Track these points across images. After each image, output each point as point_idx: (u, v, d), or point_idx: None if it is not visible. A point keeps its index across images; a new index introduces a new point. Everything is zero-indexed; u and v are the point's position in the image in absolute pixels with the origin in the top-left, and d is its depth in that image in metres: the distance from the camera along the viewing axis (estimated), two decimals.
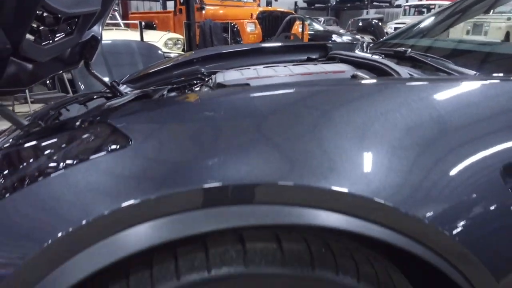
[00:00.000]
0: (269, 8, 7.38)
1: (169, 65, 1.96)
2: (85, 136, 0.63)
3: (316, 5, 21.47)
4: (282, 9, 7.23)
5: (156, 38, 5.82)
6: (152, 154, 0.52)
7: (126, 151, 0.52)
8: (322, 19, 17.11)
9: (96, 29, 1.74)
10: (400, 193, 0.50)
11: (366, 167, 0.51)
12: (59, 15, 1.15)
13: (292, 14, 6.99)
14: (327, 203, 0.49)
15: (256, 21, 6.58)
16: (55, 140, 0.66)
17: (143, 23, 6.63)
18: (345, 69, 1.27)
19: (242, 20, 6.46)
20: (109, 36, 5.42)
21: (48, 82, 5.37)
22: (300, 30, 6.95)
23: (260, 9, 7.16)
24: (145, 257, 0.51)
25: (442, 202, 0.52)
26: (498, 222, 0.55)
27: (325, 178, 0.49)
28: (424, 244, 0.52)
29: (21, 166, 0.59)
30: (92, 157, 0.53)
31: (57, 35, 1.44)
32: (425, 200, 0.51)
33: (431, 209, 0.51)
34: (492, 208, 0.55)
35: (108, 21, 6.43)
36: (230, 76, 1.34)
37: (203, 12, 7.16)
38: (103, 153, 0.53)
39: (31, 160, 0.61)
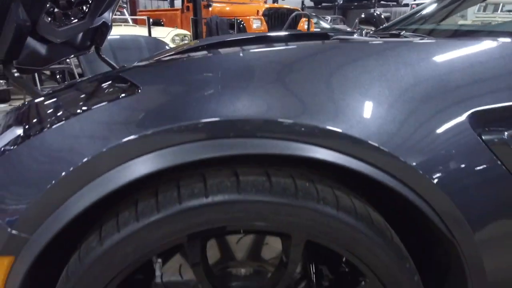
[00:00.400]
0: (275, 5, 7.45)
1: (173, 52, 2.04)
2: (104, 85, 0.72)
3: (323, 4, 21.47)
4: (288, 6, 7.30)
5: (164, 34, 5.92)
6: (157, 97, 0.60)
7: (136, 96, 0.60)
8: (329, 17, 17.13)
9: (106, 15, 1.83)
10: (387, 135, 0.57)
11: (358, 113, 0.58)
12: None
13: (298, 11, 7.04)
14: (318, 140, 0.56)
15: (262, 17, 6.66)
16: (76, 90, 0.75)
17: (151, 20, 6.74)
18: None
19: (248, 17, 6.54)
20: (117, 31, 5.52)
21: (58, 76, 5.50)
22: (305, 27, 7.01)
23: (266, 6, 7.24)
24: (151, 188, 0.59)
25: (426, 150, 0.59)
26: (471, 169, 0.61)
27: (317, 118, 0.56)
28: (406, 184, 0.59)
29: (48, 112, 0.68)
30: (108, 100, 0.62)
31: (71, 20, 1.53)
32: (412, 147, 0.58)
33: (416, 156, 0.58)
34: (462, 153, 0.61)
35: (116, 17, 6.55)
36: None
37: (210, 9, 7.26)
38: (118, 97, 0.62)
39: (58, 105, 0.70)
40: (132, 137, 0.54)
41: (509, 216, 0.64)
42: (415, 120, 0.60)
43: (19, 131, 0.68)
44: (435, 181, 0.59)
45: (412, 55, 0.67)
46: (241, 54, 0.75)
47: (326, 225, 0.58)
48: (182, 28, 7.50)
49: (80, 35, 1.75)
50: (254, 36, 2.10)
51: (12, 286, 0.60)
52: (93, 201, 0.54)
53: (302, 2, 22.05)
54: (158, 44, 4.90)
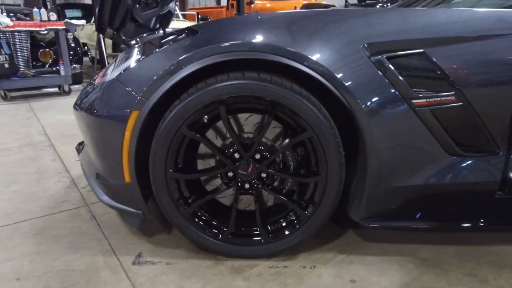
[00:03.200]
0: (313, 1, 7.94)
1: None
2: (180, 33, 1.39)
3: (367, 1, 21.52)
4: (326, 3, 7.79)
5: None
6: (206, 36, 1.25)
7: (196, 35, 1.26)
8: None
9: (171, 5, 2.54)
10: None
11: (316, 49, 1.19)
12: None
13: (332, 7, 7.50)
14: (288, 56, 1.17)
15: None
16: (166, 37, 1.42)
17: (199, 15, 7.51)
18: None
19: None
20: (170, 25, 6.34)
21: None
22: None
23: (305, 2, 7.76)
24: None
25: (340, 64, 1.18)
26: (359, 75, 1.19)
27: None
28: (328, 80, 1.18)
29: (148, 49, 1.36)
30: (182, 37, 1.28)
31: (149, 7, 2.25)
32: (335, 64, 1.17)
33: (332, 66, 1.17)
34: (356, 67, 1.19)
35: None
36: None
37: (252, 6, 7.91)
38: (186, 35, 1.27)
39: (153, 45, 1.37)
40: (190, 53, 1.19)
41: (384, 99, 1.19)
42: (337, 49, 1.19)
43: (130, 60, 1.35)
44: (340, 76, 1.17)
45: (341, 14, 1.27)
46: (256, 16, 1.36)
47: (285, 98, 1.19)
48: None
49: (153, 19, 2.46)
50: None
51: (135, 130, 1.26)
52: (170, 86, 1.19)
53: (346, 1, 22.24)
54: None
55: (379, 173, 1.27)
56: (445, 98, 1.22)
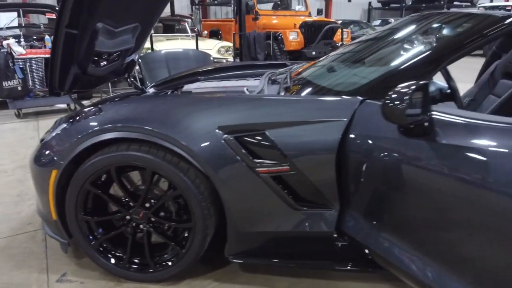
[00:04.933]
0: (314, 18, 8.20)
1: (176, 77, 3.09)
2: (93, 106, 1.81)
3: (392, 5, 21.25)
4: (325, 19, 8.04)
5: (211, 46, 7.10)
6: (103, 117, 1.66)
7: (96, 116, 1.67)
8: (392, 20, 17.13)
9: (133, 56, 2.97)
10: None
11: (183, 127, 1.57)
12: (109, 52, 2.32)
13: (333, 24, 7.74)
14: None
15: (299, 30, 7.51)
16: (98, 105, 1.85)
17: (206, 32, 7.96)
18: (246, 85, 2.29)
19: (285, 29, 7.45)
20: (174, 44, 6.82)
21: (128, 80, 7.00)
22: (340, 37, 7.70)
23: (308, 19, 8.04)
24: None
25: (197, 135, 1.55)
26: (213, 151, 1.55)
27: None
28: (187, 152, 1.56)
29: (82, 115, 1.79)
30: (88, 114, 1.70)
31: (110, 61, 2.66)
32: (190, 135, 1.55)
33: (189, 140, 1.55)
34: (208, 143, 1.56)
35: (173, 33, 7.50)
36: (188, 86, 2.45)
37: (257, 22, 8.28)
38: (93, 112, 1.69)
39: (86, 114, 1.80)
40: (86, 133, 1.60)
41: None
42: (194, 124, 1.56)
43: (65, 124, 1.78)
44: (198, 151, 1.54)
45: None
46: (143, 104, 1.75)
47: (158, 165, 1.57)
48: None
49: (120, 66, 2.89)
50: (239, 64, 3.09)
51: (55, 182, 1.69)
52: (75, 154, 1.61)
53: (369, 3, 22.12)
54: (204, 55, 6.03)
55: (237, 221, 1.64)
56: (282, 167, 1.57)
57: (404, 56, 1.68)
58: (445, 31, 1.72)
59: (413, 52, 1.68)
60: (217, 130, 1.56)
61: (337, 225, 1.64)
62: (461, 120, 1.28)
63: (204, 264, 1.89)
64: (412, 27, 1.98)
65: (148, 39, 6.62)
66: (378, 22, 18.09)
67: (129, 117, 1.62)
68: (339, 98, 1.59)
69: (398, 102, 1.17)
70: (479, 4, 19.00)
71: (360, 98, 1.56)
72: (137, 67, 6.25)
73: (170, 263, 1.75)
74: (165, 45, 6.86)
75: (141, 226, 1.77)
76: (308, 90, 1.86)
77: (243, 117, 1.58)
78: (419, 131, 1.28)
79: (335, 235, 1.65)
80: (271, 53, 7.06)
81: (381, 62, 1.77)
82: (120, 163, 1.62)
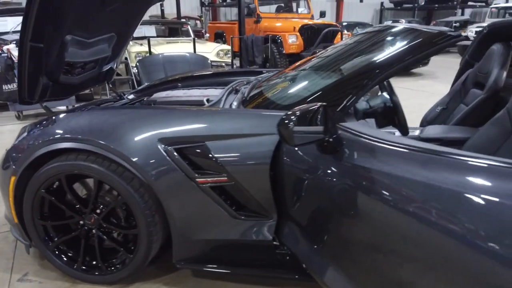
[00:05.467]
0: (315, 21, 8.20)
1: (157, 83, 3.18)
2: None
3: (404, 5, 20.97)
4: (325, 22, 8.04)
5: (210, 49, 7.18)
6: (55, 128, 1.76)
7: (49, 126, 1.77)
8: (403, 21, 16.92)
9: (111, 64, 3.06)
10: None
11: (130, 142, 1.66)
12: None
13: (332, 27, 7.73)
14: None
15: (298, 33, 7.54)
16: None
17: (208, 35, 8.04)
18: (210, 94, 2.36)
19: (284, 33, 7.49)
20: (174, 48, 6.94)
21: (129, 82, 7.15)
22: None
23: (309, 21, 8.06)
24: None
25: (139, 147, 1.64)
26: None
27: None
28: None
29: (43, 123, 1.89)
30: (43, 125, 1.80)
31: (86, 70, 2.75)
32: (131, 148, 1.63)
33: (132, 152, 1.63)
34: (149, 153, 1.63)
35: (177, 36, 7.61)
36: (157, 94, 2.54)
37: (259, 24, 8.34)
38: (46, 123, 1.80)
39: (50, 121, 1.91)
40: (40, 141, 1.70)
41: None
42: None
43: (26, 133, 1.89)
44: (140, 162, 1.62)
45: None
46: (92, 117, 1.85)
47: (103, 175, 1.66)
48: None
49: (97, 74, 3.00)
50: (212, 72, 3.18)
51: (14, 188, 1.80)
52: (28, 163, 1.71)
53: (381, 4, 21.88)
54: (201, 59, 6.10)
55: (181, 229, 1.71)
56: (220, 178, 1.64)
57: (339, 73, 1.73)
58: (381, 48, 1.76)
59: (348, 69, 1.73)
60: (158, 142, 1.64)
61: (278, 234, 1.70)
62: (367, 139, 1.32)
63: (157, 268, 1.98)
64: (354, 44, 2.02)
65: (146, 42, 6.78)
66: (389, 23, 17.88)
67: (77, 128, 1.72)
68: (274, 113, 1.65)
69: (286, 122, 1.22)
70: (494, 4, 18.57)
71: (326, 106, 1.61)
72: (135, 71, 6.39)
73: (119, 267, 1.84)
74: (165, 48, 6.97)
75: (94, 231, 1.86)
76: (259, 102, 1.93)
77: (183, 129, 1.65)
78: (327, 149, 1.33)
79: (276, 243, 1.71)
80: (269, 56, 7.10)
81: (320, 79, 1.82)
82: (69, 172, 1.71)
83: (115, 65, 3.15)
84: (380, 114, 1.91)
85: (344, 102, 1.54)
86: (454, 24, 14.44)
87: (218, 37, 10.15)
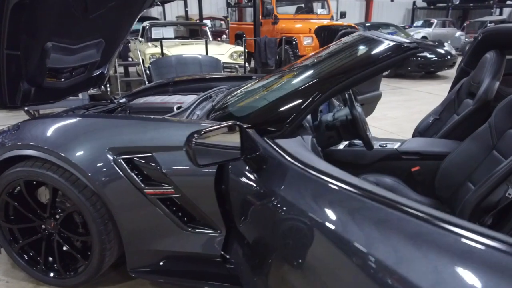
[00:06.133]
0: (334, 22, 8.04)
1: (153, 86, 3.23)
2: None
3: (438, 4, 20.12)
4: (342, 23, 7.85)
5: (224, 50, 7.19)
6: (16, 135, 1.81)
7: (13, 133, 1.83)
8: (435, 21, 16.27)
9: (103, 69, 3.11)
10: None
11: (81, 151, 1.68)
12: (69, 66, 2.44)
13: (347, 29, 7.54)
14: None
15: (314, 35, 7.41)
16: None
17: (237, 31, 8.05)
18: (183, 101, 2.36)
19: (299, 34, 7.39)
20: (188, 49, 6.99)
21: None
22: None
23: (325, 22, 7.92)
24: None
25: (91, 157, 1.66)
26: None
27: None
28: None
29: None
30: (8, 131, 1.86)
31: (76, 74, 2.80)
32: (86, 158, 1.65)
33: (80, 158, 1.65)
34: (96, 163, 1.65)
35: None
36: (137, 100, 2.57)
37: (276, 25, 8.28)
38: (12, 129, 1.85)
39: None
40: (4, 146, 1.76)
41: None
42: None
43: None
44: (89, 172, 1.64)
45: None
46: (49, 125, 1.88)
47: (56, 182, 1.69)
48: None
49: (88, 79, 3.07)
50: (202, 77, 3.18)
51: None
52: None
53: (414, 3, 21.10)
54: (213, 61, 6.13)
55: (131, 239, 1.72)
56: (167, 190, 1.63)
57: (290, 87, 1.67)
58: (333, 62, 1.68)
59: (297, 83, 1.67)
60: (108, 151, 1.65)
61: (227, 249, 1.68)
62: (287, 160, 1.26)
63: (120, 274, 2.00)
64: (315, 58, 1.94)
65: (158, 44, 6.89)
66: (420, 22, 17.25)
67: (35, 136, 1.76)
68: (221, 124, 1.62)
69: (190, 140, 1.18)
70: None
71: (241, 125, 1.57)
72: (148, 72, 6.51)
73: (76, 272, 1.88)
74: (179, 50, 7.05)
75: (54, 236, 1.91)
76: (220, 113, 1.90)
77: (132, 139, 1.66)
78: (250, 165, 1.29)
79: (226, 257, 1.68)
80: (283, 58, 7.04)
81: (273, 92, 1.77)
82: (26, 178, 1.76)
83: (106, 70, 3.20)
84: (343, 127, 1.84)
85: (287, 119, 1.49)
86: (488, 24, 13.70)
87: (239, 38, 10.16)
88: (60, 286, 1.93)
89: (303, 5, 9.41)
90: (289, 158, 1.24)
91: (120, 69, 7.99)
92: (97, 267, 1.81)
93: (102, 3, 2.48)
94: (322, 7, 9.07)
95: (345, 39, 1.97)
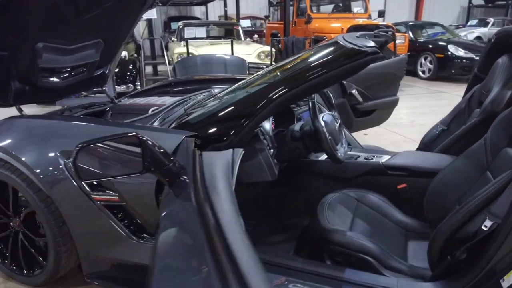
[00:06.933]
0: (367, 22, 7.66)
1: (156, 86, 3.23)
2: None
3: (497, 2, 18.55)
4: (376, 23, 7.44)
5: (251, 50, 7.10)
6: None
7: None
8: (491, 20, 15.03)
9: (104, 69, 3.15)
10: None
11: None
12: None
13: (384, 28, 7.12)
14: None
15: None
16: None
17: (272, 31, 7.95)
18: (163, 103, 2.31)
19: (331, 34, 7.10)
20: (216, 49, 6.99)
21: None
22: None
23: (359, 21, 7.57)
24: None
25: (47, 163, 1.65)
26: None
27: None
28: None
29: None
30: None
31: (75, 74, 2.84)
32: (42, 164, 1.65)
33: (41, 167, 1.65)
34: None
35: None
36: (123, 101, 2.56)
37: (309, 25, 8.06)
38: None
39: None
40: None
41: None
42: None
43: None
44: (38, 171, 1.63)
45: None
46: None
47: (14, 182, 1.71)
48: None
49: (89, 78, 3.13)
50: (202, 78, 3.13)
51: None
52: None
53: (469, 1, 19.62)
54: (239, 61, 6.09)
55: (82, 243, 1.70)
56: (112, 197, 1.58)
57: (238, 95, 1.55)
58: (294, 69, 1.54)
59: (249, 91, 1.54)
60: (59, 155, 1.63)
61: None
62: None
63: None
64: (276, 66, 1.80)
65: (194, 43, 6.95)
66: (474, 21, 16.04)
67: (1, 136, 1.79)
68: (170, 132, 1.54)
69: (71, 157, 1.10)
70: None
71: (186, 133, 1.48)
72: (174, 72, 6.59)
73: (38, 271, 1.89)
74: (207, 49, 7.08)
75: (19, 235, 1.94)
76: (184, 118, 1.82)
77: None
78: (161, 180, 1.19)
79: None
80: None
81: (225, 99, 1.66)
82: None
83: (107, 70, 3.24)
84: (309, 139, 1.68)
85: (232, 129, 1.38)
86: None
87: (274, 37, 10.03)
88: (26, 284, 1.96)
89: (340, 4, 9.07)
90: (196, 175, 1.14)
91: (149, 68, 8.19)
92: (54, 269, 1.81)
93: (95, 4, 2.48)
94: (362, 5, 8.68)
95: (318, 44, 1.82)
